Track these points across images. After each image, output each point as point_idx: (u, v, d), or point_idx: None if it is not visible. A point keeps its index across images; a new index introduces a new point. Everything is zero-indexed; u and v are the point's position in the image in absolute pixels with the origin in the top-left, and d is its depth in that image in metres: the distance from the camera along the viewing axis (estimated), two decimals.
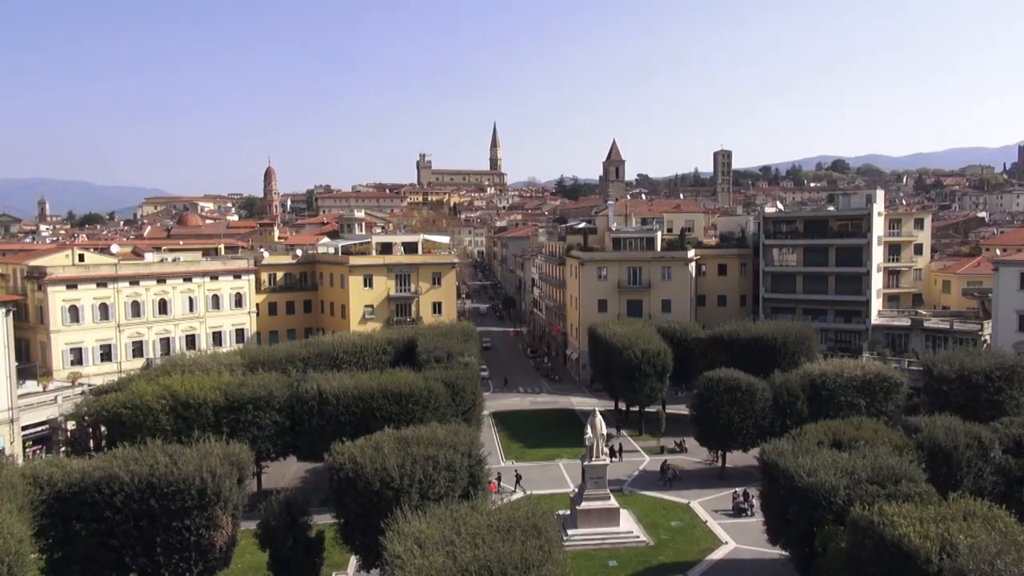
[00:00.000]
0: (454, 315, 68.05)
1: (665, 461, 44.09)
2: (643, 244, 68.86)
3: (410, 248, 69.44)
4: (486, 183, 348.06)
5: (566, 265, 74.51)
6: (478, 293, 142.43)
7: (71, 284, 53.82)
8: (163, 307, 59.50)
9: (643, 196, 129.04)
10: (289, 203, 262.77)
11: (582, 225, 77.42)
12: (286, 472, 44.27)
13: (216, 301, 62.58)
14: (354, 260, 66.15)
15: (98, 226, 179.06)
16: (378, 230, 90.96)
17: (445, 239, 77.45)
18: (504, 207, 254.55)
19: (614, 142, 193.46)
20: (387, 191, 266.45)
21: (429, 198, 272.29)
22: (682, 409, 54.32)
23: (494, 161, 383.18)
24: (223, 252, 73.86)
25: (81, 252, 58.55)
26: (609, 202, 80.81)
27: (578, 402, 61.42)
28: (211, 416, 36.05)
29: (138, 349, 57.92)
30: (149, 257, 64.55)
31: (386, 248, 68.89)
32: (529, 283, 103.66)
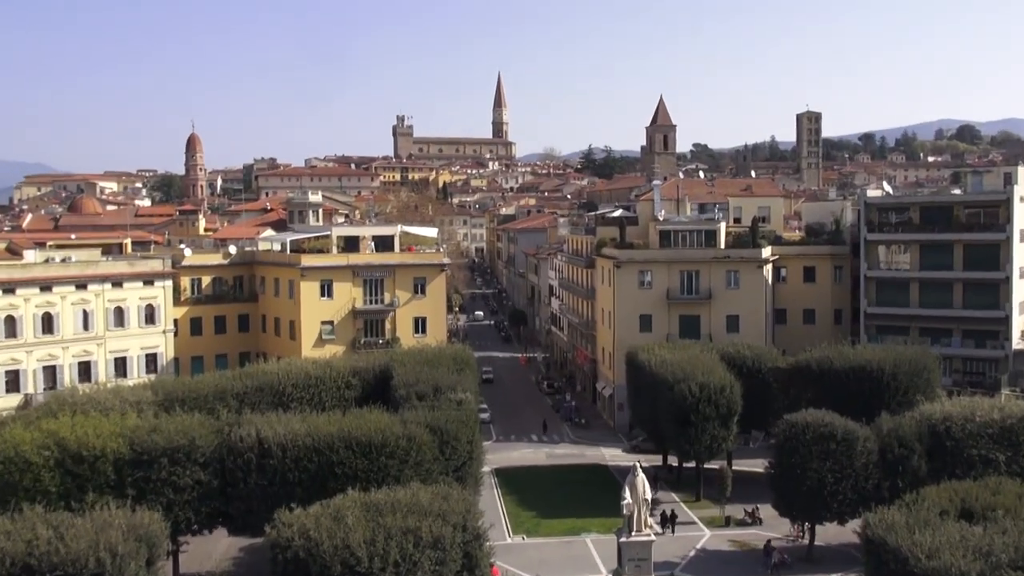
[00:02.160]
0: (443, 335, 68.48)
1: (769, 541, 43.78)
2: (701, 239, 69.21)
3: (384, 244, 69.78)
4: (487, 156, 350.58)
5: (596, 268, 75.06)
6: (476, 305, 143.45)
7: None
8: (47, 324, 59.75)
9: (701, 174, 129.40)
10: (220, 183, 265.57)
11: (618, 213, 77.78)
12: (213, 550, 44.14)
13: (120, 316, 63.01)
14: (308, 260, 66.59)
15: None
16: (340, 219, 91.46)
17: (431, 232, 77.88)
18: (512, 188, 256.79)
19: (661, 101, 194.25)
20: (353, 166, 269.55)
21: (410, 176, 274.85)
22: (754, 465, 54.05)
23: (498, 126, 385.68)
24: (130, 249, 74.29)
25: None
26: (655, 182, 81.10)
27: (612, 455, 61.58)
28: (111, 473, 35.95)
29: (12, 381, 58.23)
30: (29, 256, 64.86)
31: (351, 244, 69.29)
32: (545, 292, 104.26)
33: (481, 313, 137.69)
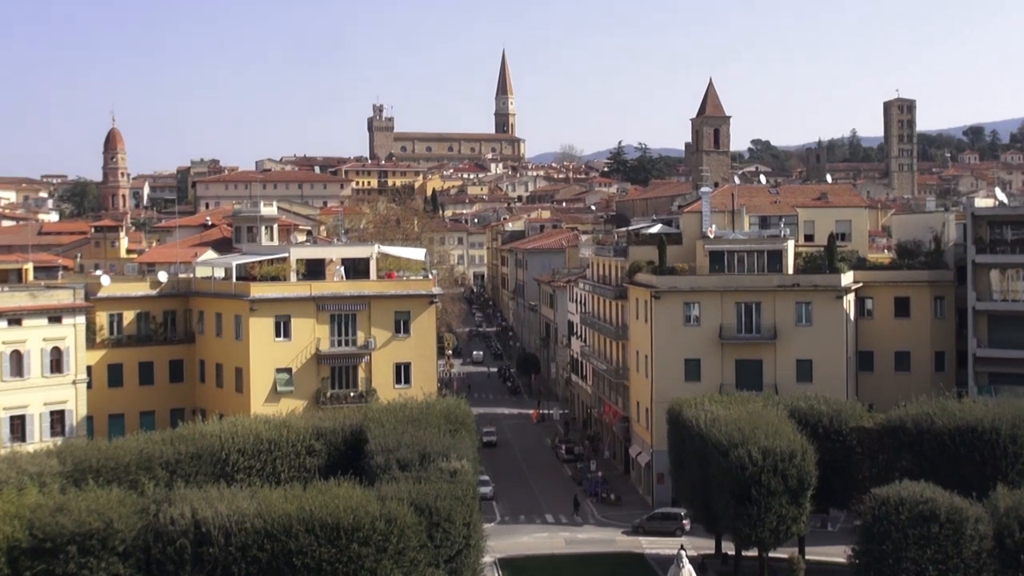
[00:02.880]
0: (433, 386, 68.64)
1: None
2: (763, 262, 69.61)
3: (357, 269, 70.25)
4: (489, 156, 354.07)
5: (629, 299, 75.54)
6: (475, 346, 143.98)
7: None
8: None
9: (762, 178, 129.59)
10: (148, 191, 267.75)
11: (656, 229, 78.35)
12: None
13: (18, 362, 62.95)
14: (259, 290, 66.99)
15: None
16: (301, 238, 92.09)
17: (417, 253, 78.28)
18: (520, 198, 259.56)
19: (711, 86, 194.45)
20: (317, 170, 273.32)
21: (390, 181, 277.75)
22: (834, 553, 53.59)
23: (502, 118, 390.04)
24: (31, 277, 74.54)
25: None
26: (703, 189, 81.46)
27: (650, 541, 61.46)
28: (4, 567, 35.99)
29: None
30: None
31: (315, 269, 69.75)
32: (563, 330, 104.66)
33: (480, 353, 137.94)
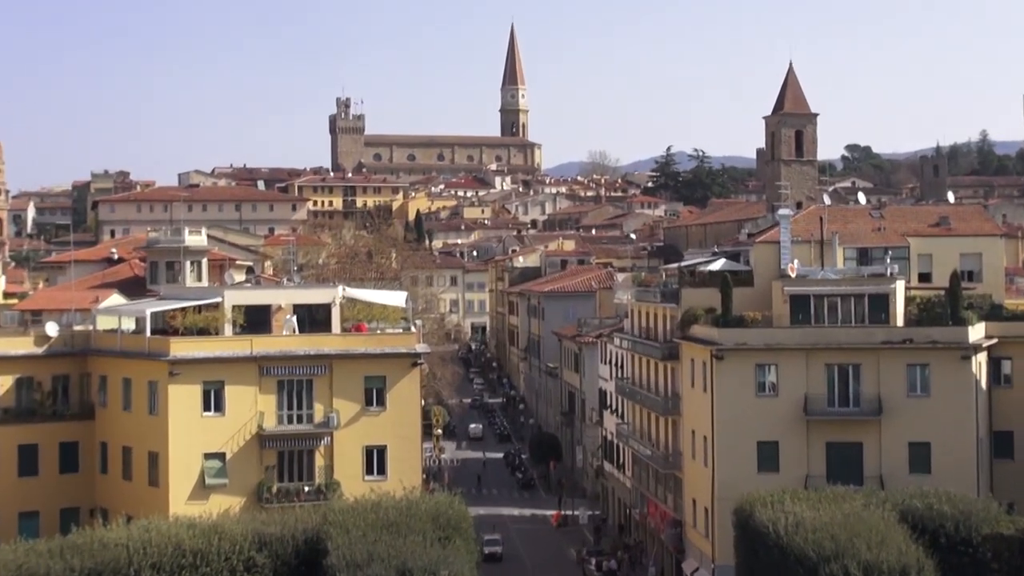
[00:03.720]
0: (416, 477, 68.14)
1: None
2: (862, 310, 69.58)
3: (315, 319, 70.26)
4: (492, 167, 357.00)
5: (682, 360, 75.75)
6: (472, 419, 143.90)
7: None
8: None
9: (861, 197, 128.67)
10: (32, 213, 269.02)
11: (718, 265, 78.63)
12: None
13: None
14: (182, 348, 67.06)
15: None
16: (239, 277, 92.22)
17: (397, 298, 78.43)
18: (534, 223, 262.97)
19: (791, 74, 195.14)
20: (262, 186, 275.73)
21: (361, 202, 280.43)
22: None
23: (510, 116, 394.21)
24: None
25: None
26: (781, 211, 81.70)
27: None
28: None
29: None
30: None
31: (257, 319, 69.74)
32: (593, 401, 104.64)
33: (479, 427, 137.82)
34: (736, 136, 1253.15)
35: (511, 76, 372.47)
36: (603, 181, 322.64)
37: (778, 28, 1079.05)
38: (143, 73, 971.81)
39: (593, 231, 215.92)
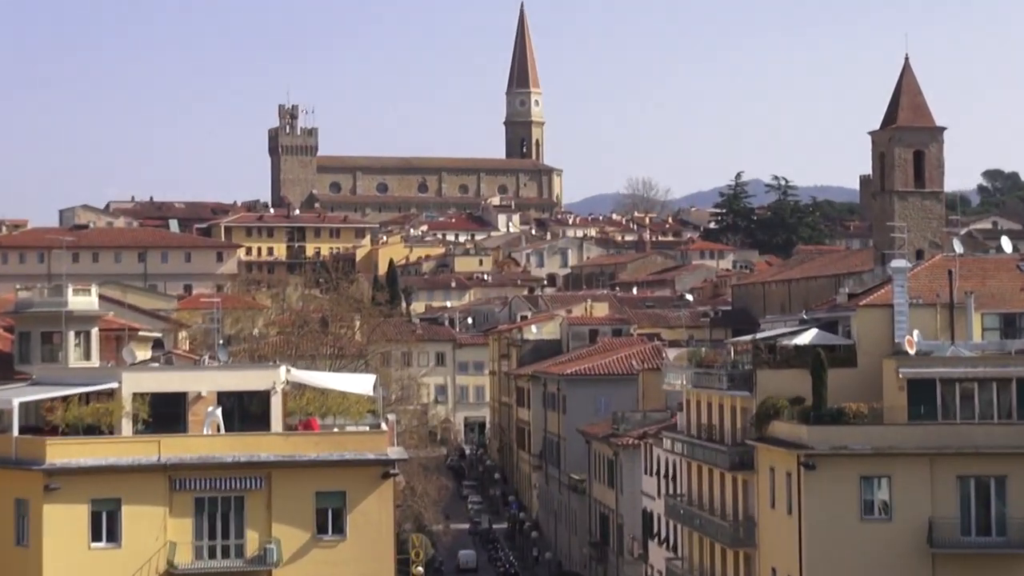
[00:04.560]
0: None
1: None
2: (1008, 400, 69.30)
3: (247, 413, 69.60)
4: (495, 201, 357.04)
5: (758, 470, 75.71)
6: (463, 544, 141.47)
7: None
8: None
9: (1005, 242, 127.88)
10: None
11: (808, 338, 78.13)
12: None
13: None
14: (63, 453, 66.41)
15: None
16: (143, 353, 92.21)
17: (362, 383, 78.16)
18: (554, 278, 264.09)
19: (907, 71, 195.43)
20: (175, 226, 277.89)
21: (312, 248, 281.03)
22: None
23: (520, 130, 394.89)
24: None
25: None
26: (895, 263, 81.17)
27: None
28: None
29: None
30: None
31: (168, 414, 69.26)
32: (635, 527, 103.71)
33: (470, 556, 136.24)
34: (832, 159, 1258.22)
35: (520, 76, 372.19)
36: (648, 221, 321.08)
37: (889, 13, 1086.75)
38: (9, 76, 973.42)
39: (634, 290, 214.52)
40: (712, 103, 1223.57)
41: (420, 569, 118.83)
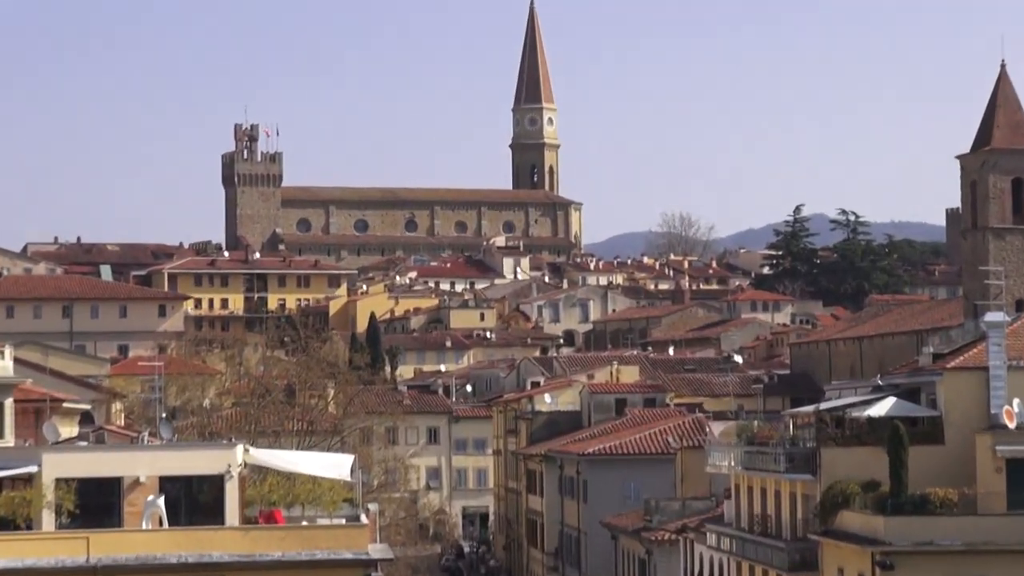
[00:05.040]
0: None
1: None
2: None
3: (197, 503, 69.66)
4: (499, 241, 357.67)
5: (821, 571, 75.41)
6: None
7: None
8: None
9: None
10: None
11: (884, 408, 78.18)
12: None
13: None
14: None
15: None
16: (68, 430, 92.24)
17: (337, 464, 78.17)
18: (571, 336, 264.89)
19: (1002, 81, 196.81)
20: (108, 273, 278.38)
21: (276, 302, 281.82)
22: None
23: (530, 153, 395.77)
24: None
25: None
26: (989, 316, 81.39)
27: None
28: None
29: None
30: None
31: (98, 503, 69.25)
32: None
33: None
34: (912, 189, 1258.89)
35: (530, 88, 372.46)
36: (687, 265, 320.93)
37: (980, 12, 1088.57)
38: None
39: (671, 350, 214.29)
40: (766, 122, 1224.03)
41: None
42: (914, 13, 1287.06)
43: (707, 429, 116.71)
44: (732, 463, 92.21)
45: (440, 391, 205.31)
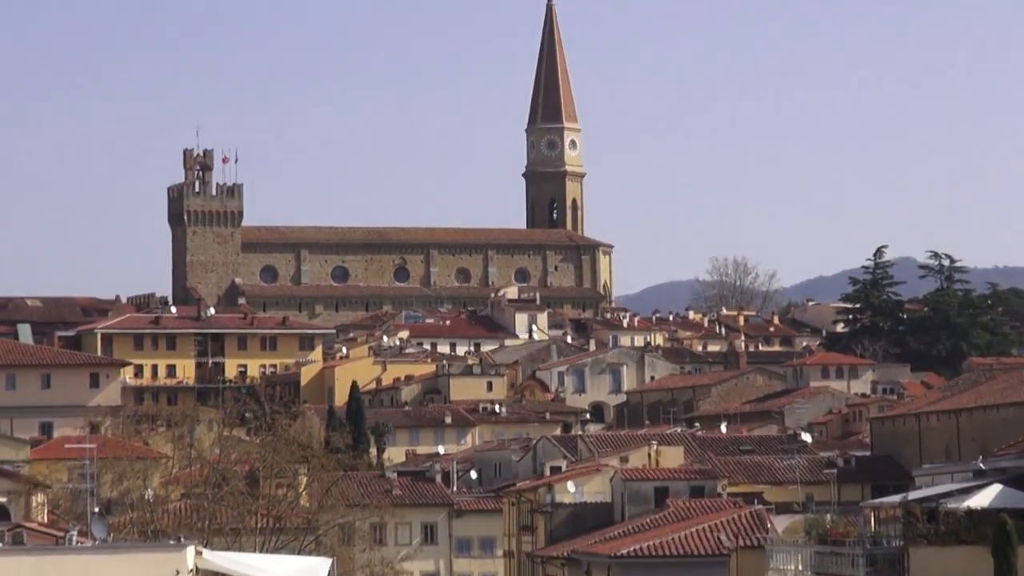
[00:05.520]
0: None
1: None
2: None
3: None
4: (509, 293, 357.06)
5: None
6: None
7: None
8: None
9: None
10: None
11: (985, 498, 78.15)
12: None
13: None
14: None
15: None
16: None
17: (314, 570, 78.24)
18: (599, 408, 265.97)
19: None
20: (26, 334, 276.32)
21: (234, 368, 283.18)
22: None
23: (546, 184, 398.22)
24: None
25: None
26: None
27: None
28: None
29: None
30: None
31: None
32: None
33: None
34: (1020, 228, 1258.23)
35: (549, 104, 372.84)
36: (742, 322, 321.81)
37: None
38: None
39: (723, 427, 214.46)
40: (839, 147, 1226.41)
41: None
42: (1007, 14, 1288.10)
43: (768, 524, 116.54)
44: (799, 566, 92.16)
45: (438, 478, 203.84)
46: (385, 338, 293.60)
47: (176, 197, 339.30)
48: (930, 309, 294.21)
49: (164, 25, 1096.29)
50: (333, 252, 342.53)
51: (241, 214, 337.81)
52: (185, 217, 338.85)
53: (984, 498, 77.12)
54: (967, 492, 79.47)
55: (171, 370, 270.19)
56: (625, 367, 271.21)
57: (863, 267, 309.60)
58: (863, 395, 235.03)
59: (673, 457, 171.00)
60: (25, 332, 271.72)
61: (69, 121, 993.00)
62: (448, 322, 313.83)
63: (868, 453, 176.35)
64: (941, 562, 74.60)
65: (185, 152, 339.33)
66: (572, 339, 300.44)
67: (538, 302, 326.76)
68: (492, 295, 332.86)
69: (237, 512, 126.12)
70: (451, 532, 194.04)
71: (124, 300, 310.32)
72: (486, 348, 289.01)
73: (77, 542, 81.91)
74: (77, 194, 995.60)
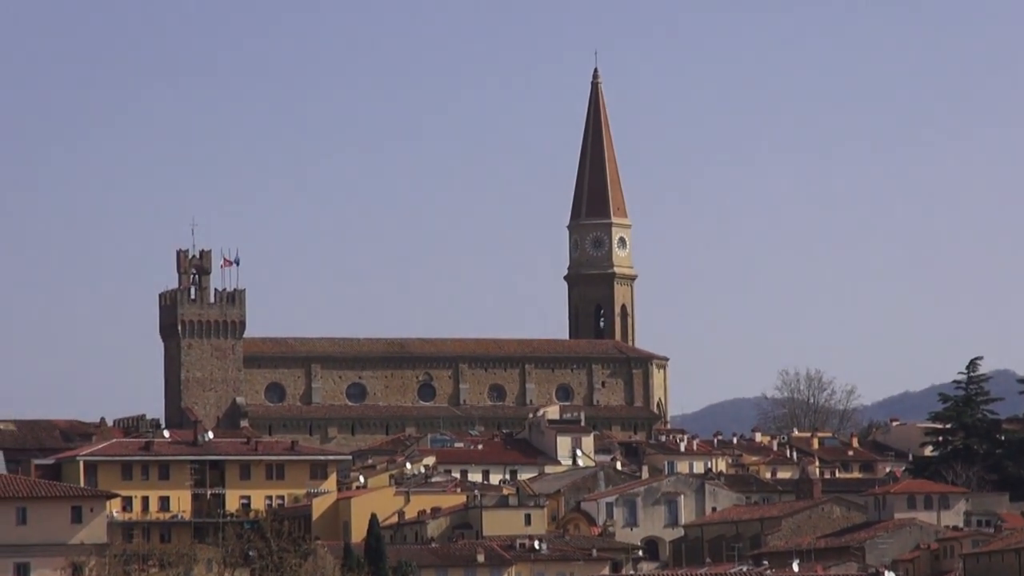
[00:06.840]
0: None
1: None
2: None
3: None
4: (548, 412, 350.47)
5: None
6: None
7: None
8: None
9: None
10: None
11: None
12: None
13: None
14: None
15: None
16: None
17: None
18: (655, 545, 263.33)
19: None
20: (0, 463, 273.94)
21: (236, 500, 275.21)
22: None
23: (592, 287, 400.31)
24: None
25: None
26: None
27: None
28: None
29: None
30: None
31: None
32: None
33: None
34: None
35: (595, 199, 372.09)
36: (816, 445, 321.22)
37: None
38: None
39: (795, 564, 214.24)
40: (926, 248, 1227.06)
41: None
42: None
43: None
44: None
45: None
46: (408, 465, 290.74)
47: (169, 305, 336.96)
48: None
49: (154, 105, 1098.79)
50: (348, 367, 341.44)
51: (243, 324, 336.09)
52: (179, 328, 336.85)
53: None
54: None
55: (164, 503, 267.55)
56: (683, 497, 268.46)
57: (955, 381, 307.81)
58: (955, 528, 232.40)
59: None
60: None
61: (44, 216, 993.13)
62: (480, 446, 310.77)
63: None
64: None
65: (179, 253, 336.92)
66: (622, 465, 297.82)
67: (583, 423, 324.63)
68: (530, 415, 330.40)
69: None
70: None
71: (110, 423, 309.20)
72: (523, 476, 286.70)
73: None
74: (55, 302, 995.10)
